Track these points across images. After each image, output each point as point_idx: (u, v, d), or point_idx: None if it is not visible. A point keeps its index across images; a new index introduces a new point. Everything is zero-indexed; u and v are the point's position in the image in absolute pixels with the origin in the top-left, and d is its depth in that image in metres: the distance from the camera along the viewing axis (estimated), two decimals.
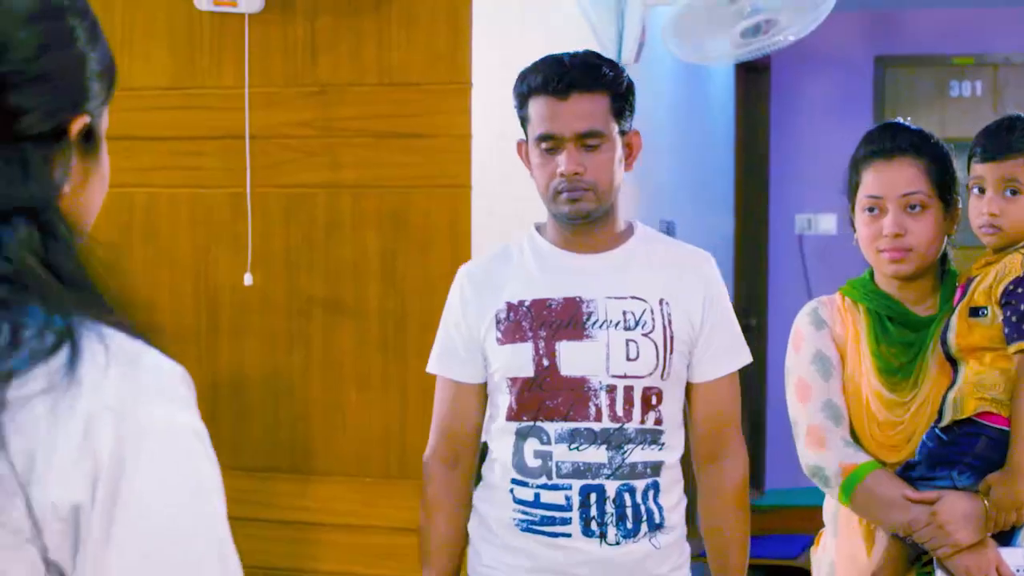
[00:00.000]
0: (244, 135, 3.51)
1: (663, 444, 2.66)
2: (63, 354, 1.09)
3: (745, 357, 2.79)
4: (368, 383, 3.48)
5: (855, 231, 2.70)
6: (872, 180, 2.64)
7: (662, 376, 2.66)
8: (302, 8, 3.50)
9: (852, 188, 2.69)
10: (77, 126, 1.22)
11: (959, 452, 2.50)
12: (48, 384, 1.08)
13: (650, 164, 5.13)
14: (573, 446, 2.62)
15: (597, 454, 2.62)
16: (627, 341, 2.65)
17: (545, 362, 2.64)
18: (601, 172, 2.64)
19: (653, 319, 2.66)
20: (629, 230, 2.78)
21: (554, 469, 2.63)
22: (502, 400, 2.70)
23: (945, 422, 2.51)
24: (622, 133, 2.69)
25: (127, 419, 1.10)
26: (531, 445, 2.66)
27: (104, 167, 1.27)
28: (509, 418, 2.68)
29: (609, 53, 4.26)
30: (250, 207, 3.51)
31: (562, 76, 2.62)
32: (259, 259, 3.52)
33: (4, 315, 1.09)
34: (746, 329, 8.11)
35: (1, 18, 1.15)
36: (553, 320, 2.66)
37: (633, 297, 2.68)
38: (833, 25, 5.04)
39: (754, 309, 7.29)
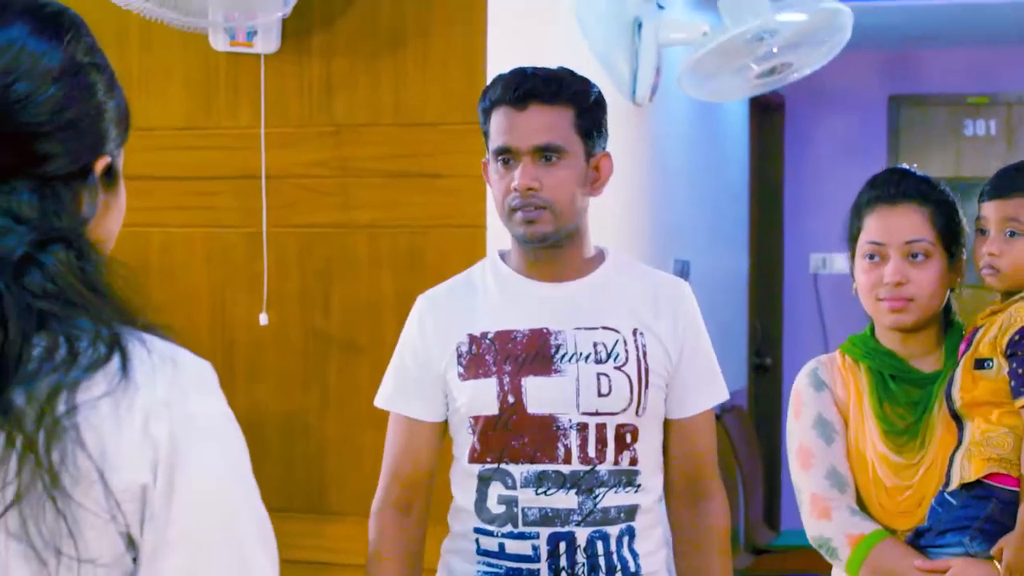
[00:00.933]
0: (260, 175, 3.52)
1: (639, 486, 2.47)
2: (115, 360, 1.26)
3: (723, 393, 2.60)
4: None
5: (854, 280, 2.58)
6: (874, 226, 2.53)
7: (637, 412, 2.47)
8: (318, 49, 3.51)
9: (853, 234, 2.58)
10: (100, 166, 1.37)
11: (969, 517, 2.39)
12: (108, 387, 1.25)
13: (664, 203, 5.14)
14: (540, 490, 2.43)
15: (566, 499, 2.42)
16: (598, 375, 2.45)
17: (510, 399, 2.44)
18: (559, 190, 2.44)
19: (626, 351, 2.47)
20: (600, 256, 2.57)
21: (520, 516, 2.44)
22: (464, 440, 2.50)
23: (953, 485, 2.41)
24: (589, 155, 2.49)
25: (177, 411, 1.28)
26: (495, 489, 2.46)
27: (121, 199, 1.42)
28: (471, 460, 2.48)
29: (623, 93, 4.28)
30: (266, 247, 3.52)
31: (520, 85, 2.46)
32: (274, 299, 3.53)
33: (59, 328, 1.25)
34: (761, 368, 8.03)
35: (32, 76, 1.30)
36: (518, 353, 2.46)
37: (604, 328, 2.48)
38: (847, 64, 5.06)
39: (769, 348, 7.27)
